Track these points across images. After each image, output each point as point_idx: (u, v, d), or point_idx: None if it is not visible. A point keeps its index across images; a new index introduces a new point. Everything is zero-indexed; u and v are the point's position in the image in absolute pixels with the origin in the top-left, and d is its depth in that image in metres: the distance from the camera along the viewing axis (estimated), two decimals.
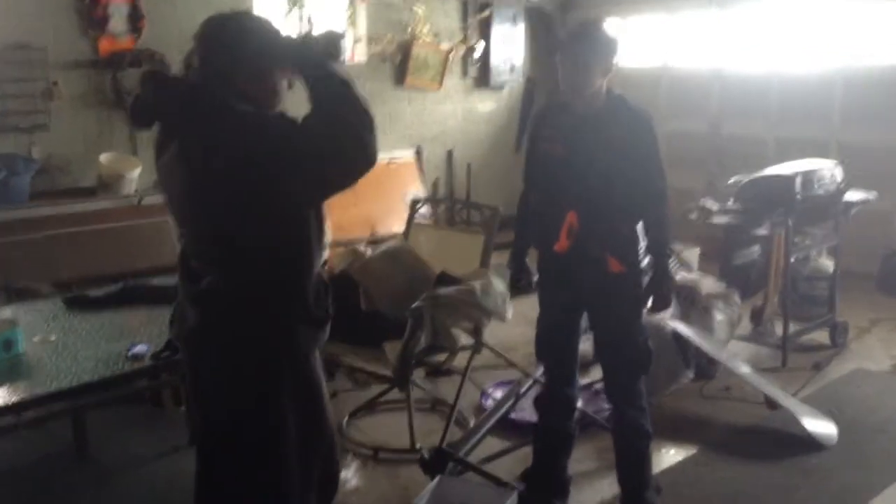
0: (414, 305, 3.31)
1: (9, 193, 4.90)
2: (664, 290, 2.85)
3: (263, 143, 1.89)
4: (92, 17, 5.41)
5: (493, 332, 3.88)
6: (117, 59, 5.50)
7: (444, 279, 3.57)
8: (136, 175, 5.37)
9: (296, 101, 2.12)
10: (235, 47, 1.99)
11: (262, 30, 2.05)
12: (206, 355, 2.04)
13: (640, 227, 2.88)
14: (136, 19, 5.57)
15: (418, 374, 4.01)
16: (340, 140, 1.90)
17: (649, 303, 2.90)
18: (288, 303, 2.02)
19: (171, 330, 2.18)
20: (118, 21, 5.50)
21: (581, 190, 2.77)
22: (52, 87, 5.27)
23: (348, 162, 1.93)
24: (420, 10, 7.05)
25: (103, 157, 5.35)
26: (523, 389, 3.79)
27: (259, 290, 1.99)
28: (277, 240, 1.99)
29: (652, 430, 3.04)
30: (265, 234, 1.96)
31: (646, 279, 2.89)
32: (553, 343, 3.02)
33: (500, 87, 7.95)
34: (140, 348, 2.60)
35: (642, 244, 2.89)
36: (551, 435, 3.15)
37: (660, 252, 2.84)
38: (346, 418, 3.93)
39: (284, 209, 1.97)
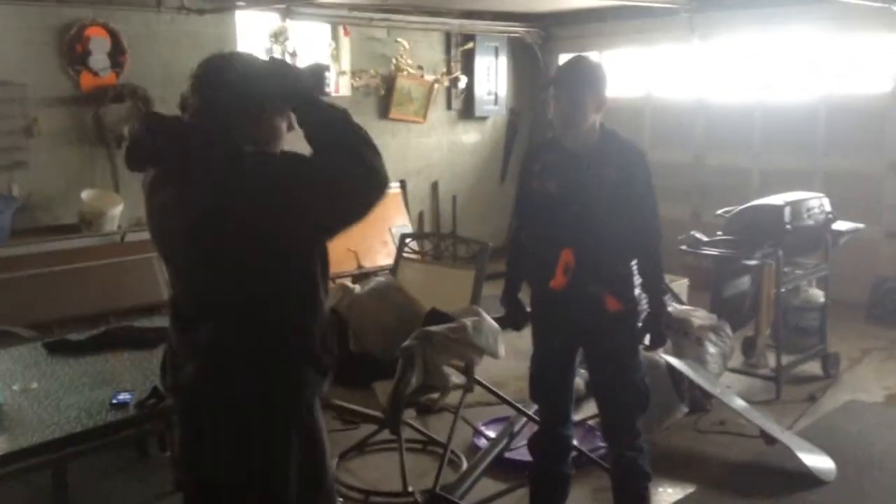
0: (404, 345, 3.24)
1: None
2: (661, 327, 2.80)
3: (275, 183, 1.84)
4: (73, 53, 5.35)
5: (483, 367, 3.80)
6: (99, 94, 5.45)
7: (435, 316, 3.49)
8: (119, 212, 5.29)
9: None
10: (237, 89, 1.94)
11: (261, 70, 1.99)
12: (206, 412, 1.96)
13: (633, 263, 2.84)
14: (117, 54, 5.53)
15: (409, 414, 3.92)
16: (351, 169, 1.84)
17: (646, 340, 2.85)
18: (295, 349, 1.94)
19: (161, 381, 2.09)
20: (99, 56, 5.45)
21: (576, 227, 2.73)
22: (33, 123, 5.21)
23: (363, 190, 1.87)
24: (404, 42, 7.06)
25: (85, 194, 5.27)
26: (517, 428, 3.71)
27: (266, 338, 1.91)
28: (288, 280, 1.92)
29: (651, 471, 2.97)
30: (275, 275, 1.90)
31: (641, 316, 2.84)
32: (547, 384, 2.96)
33: (484, 119, 7.96)
34: (124, 396, 2.51)
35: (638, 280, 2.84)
36: (547, 478, 3.07)
37: (656, 289, 2.79)
38: (335, 460, 3.82)
39: (297, 247, 1.91)
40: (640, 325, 2.82)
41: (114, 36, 5.51)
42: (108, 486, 3.44)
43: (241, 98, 1.93)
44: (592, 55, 7.68)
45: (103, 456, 3.33)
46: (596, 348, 2.88)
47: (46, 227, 5.24)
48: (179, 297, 2.02)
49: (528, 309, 3.03)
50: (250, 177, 1.85)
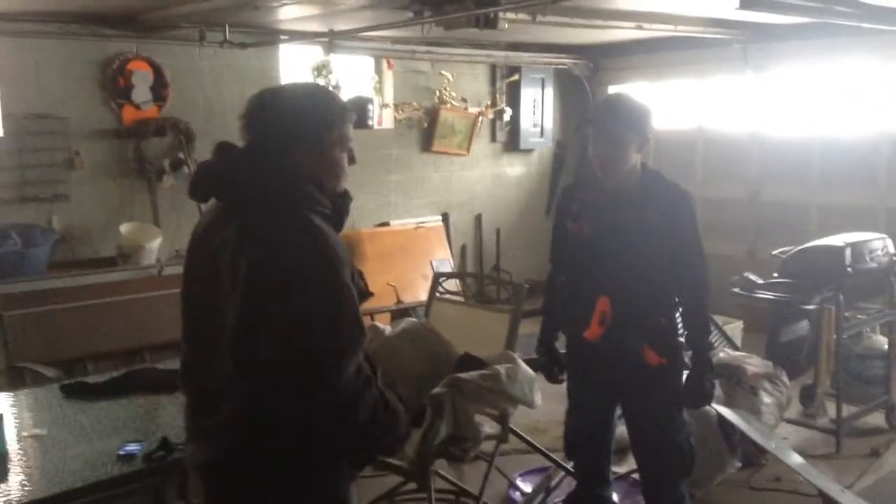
0: (433, 392, 3.07)
1: (25, 265, 4.79)
2: (706, 387, 2.58)
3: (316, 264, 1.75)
4: (115, 87, 5.37)
5: (523, 410, 3.59)
6: (141, 128, 5.45)
7: (467, 362, 3.32)
8: (157, 245, 5.26)
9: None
10: (295, 119, 1.84)
11: (319, 99, 1.91)
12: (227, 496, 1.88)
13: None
14: (160, 88, 5.54)
15: (440, 463, 3.73)
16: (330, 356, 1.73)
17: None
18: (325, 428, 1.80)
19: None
20: (142, 90, 5.46)
21: (613, 274, 2.54)
22: (74, 156, 5.22)
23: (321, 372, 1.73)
24: (448, 75, 6.96)
25: (123, 228, 5.26)
26: (554, 483, 3.50)
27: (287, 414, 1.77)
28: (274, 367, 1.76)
29: None
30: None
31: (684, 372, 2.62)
32: (583, 441, 2.76)
33: (529, 151, 7.81)
34: (132, 447, 2.38)
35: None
36: None
37: (700, 345, 2.58)
38: None
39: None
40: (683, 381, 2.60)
41: (156, 69, 5.52)
42: None
43: (295, 127, 1.84)
44: (642, 87, 7.56)
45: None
46: (635, 405, 2.67)
47: (84, 260, 5.23)
48: (193, 368, 1.94)
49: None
50: (302, 249, 1.75)
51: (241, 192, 1.82)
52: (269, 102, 1.86)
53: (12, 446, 2.45)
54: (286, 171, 1.81)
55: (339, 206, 1.92)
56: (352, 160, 1.95)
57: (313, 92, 1.93)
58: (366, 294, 1.89)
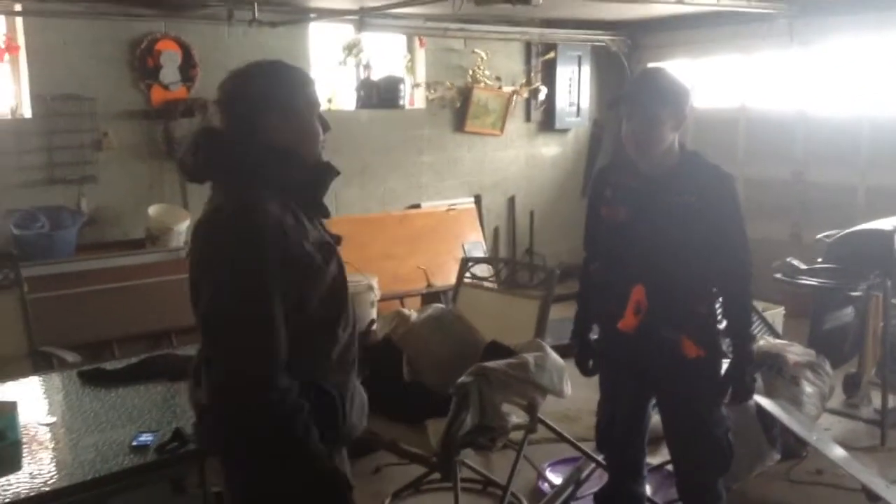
0: (459, 381, 2.96)
1: (54, 247, 4.78)
2: (746, 380, 2.43)
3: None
4: (143, 67, 5.32)
5: (551, 399, 3.50)
6: (169, 108, 5.39)
7: (494, 350, 3.21)
8: (185, 227, 5.22)
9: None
10: (259, 87, 1.82)
11: (291, 71, 1.88)
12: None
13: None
14: (188, 68, 5.48)
15: (467, 452, 3.64)
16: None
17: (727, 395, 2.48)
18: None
19: None
20: (170, 70, 5.41)
21: (648, 261, 2.40)
22: (102, 137, 5.19)
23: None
24: (481, 53, 6.81)
25: (152, 210, 5.22)
26: (585, 474, 3.39)
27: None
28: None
29: None
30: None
31: (723, 363, 2.48)
32: (616, 434, 2.63)
33: (565, 131, 7.63)
34: (146, 438, 2.32)
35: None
36: None
37: (741, 336, 2.43)
38: (388, 500, 3.58)
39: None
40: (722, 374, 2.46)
41: (185, 49, 5.46)
42: None
43: (263, 95, 1.81)
44: (683, 64, 7.32)
45: (139, 491, 3.18)
46: (671, 398, 2.53)
47: (113, 243, 5.21)
48: None
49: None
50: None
51: (208, 173, 1.84)
52: (234, 79, 1.85)
53: (25, 435, 2.40)
54: (251, 148, 1.79)
55: (315, 178, 1.88)
56: (326, 126, 1.91)
57: (275, 63, 1.89)
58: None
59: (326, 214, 1.94)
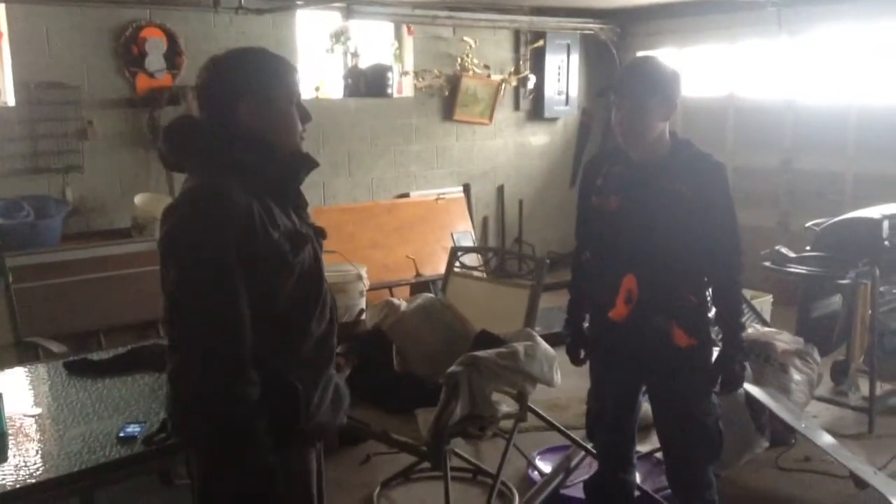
0: (449, 371, 2.95)
1: (39, 236, 4.72)
2: (737, 371, 2.43)
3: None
4: (128, 55, 5.26)
5: (540, 388, 3.50)
6: (155, 96, 5.33)
7: (484, 339, 3.20)
8: None
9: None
10: (236, 73, 1.79)
11: (270, 59, 1.84)
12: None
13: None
14: (174, 56, 5.42)
15: (457, 441, 3.63)
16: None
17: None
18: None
19: None
20: (155, 58, 5.34)
21: (640, 250, 2.38)
22: (87, 126, 5.13)
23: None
24: (470, 41, 6.77)
25: (138, 199, 5.16)
26: (574, 463, 3.39)
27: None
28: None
29: None
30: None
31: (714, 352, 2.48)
32: (606, 424, 2.63)
33: (554, 120, 7.61)
34: (133, 428, 2.30)
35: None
36: None
37: (731, 325, 2.43)
38: (378, 489, 3.58)
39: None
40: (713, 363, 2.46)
41: (170, 37, 5.40)
42: None
43: (238, 83, 1.78)
44: (671, 52, 7.30)
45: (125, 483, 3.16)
46: (662, 387, 2.53)
47: (98, 232, 5.16)
48: None
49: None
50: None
51: (181, 159, 1.83)
52: (212, 66, 1.82)
53: (11, 427, 2.37)
54: (223, 134, 1.77)
55: (288, 168, 1.84)
56: (305, 117, 1.87)
57: (255, 50, 1.86)
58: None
59: (303, 205, 1.90)
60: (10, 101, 4.97)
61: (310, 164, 1.88)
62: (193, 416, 1.68)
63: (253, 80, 1.79)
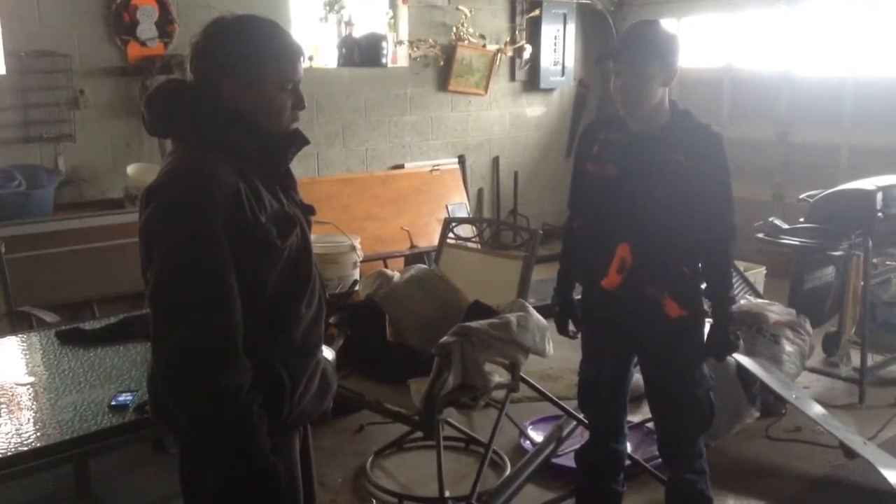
0: (441, 341, 2.96)
1: (31, 206, 4.70)
2: (730, 338, 2.43)
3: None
4: (120, 23, 5.19)
5: (532, 359, 3.52)
6: (147, 65, 5.27)
7: (477, 310, 3.21)
8: None
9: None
10: (226, 48, 1.69)
11: (261, 31, 1.73)
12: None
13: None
14: (165, 24, 5.35)
15: (450, 410, 3.65)
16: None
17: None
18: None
19: None
20: (147, 26, 5.28)
21: (635, 219, 2.37)
22: (79, 95, 5.08)
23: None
24: (465, 10, 6.70)
25: (130, 169, 5.13)
26: (566, 432, 3.41)
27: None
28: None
29: (712, 495, 2.64)
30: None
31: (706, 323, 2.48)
32: (598, 394, 2.64)
33: (550, 91, 7.56)
34: (125, 397, 2.31)
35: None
36: (595, 496, 2.76)
37: (722, 297, 2.43)
38: (371, 458, 3.60)
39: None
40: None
41: (162, 5, 5.33)
42: (132, 477, 3.29)
43: (226, 58, 1.69)
44: (668, 23, 7.24)
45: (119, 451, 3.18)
46: (653, 357, 2.53)
47: (91, 202, 5.13)
48: None
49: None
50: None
51: (165, 127, 1.78)
52: (208, 31, 1.72)
53: (3, 395, 2.38)
54: (209, 107, 1.70)
55: (274, 148, 1.75)
56: (299, 105, 1.77)
57: (258, 25, 1.73)
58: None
59: (292, 185, 1.82)
60: (1, 69, 4.92)
61: (300, 141, 1.80)
62: (188, 406, 1.61)
63: (242, 59, 1.69)
